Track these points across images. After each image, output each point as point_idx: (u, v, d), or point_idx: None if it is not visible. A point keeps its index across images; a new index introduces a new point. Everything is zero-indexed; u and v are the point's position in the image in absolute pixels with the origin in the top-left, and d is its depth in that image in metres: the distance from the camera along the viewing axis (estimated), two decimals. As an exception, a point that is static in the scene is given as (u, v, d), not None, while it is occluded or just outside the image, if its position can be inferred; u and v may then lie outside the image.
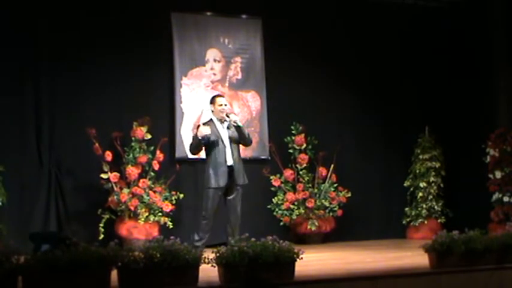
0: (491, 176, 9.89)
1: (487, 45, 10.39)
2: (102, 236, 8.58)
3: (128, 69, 9.38)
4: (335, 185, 10.06)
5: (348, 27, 10.65)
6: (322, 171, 10.05)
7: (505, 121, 10.06)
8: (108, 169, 8.92)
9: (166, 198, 9.11)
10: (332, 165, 10.05)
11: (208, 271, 5.43)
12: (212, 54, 9.97)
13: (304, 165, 10.02)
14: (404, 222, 10.57)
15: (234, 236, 7.03)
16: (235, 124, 7.60)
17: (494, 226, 9.11)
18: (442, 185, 10.52)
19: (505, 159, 9.79)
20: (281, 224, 9.87)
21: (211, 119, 7.74)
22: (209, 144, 7.55)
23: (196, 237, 7.49)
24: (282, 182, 9.97)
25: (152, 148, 9.17)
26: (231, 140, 7.63)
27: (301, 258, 5.57)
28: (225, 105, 7.76)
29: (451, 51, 10.91)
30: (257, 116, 10.08)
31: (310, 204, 9.82)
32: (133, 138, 9.14)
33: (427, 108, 10.85)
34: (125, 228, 8.84)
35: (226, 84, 10.01)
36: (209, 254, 5.39)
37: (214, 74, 9.96)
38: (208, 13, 9.99)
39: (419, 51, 10.90)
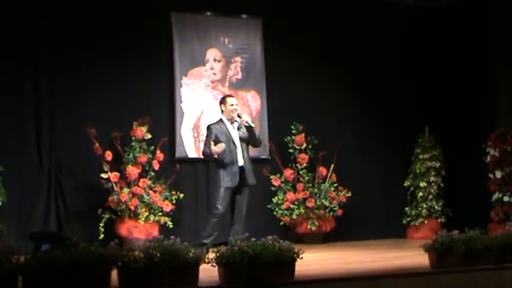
0: (491, 175, 9.89)
1: (487, 45, 10.39)
2: (102, 235, 8.57)
3: (128, 69, 9.37)
4: (335, 185, 10.06)
5: (348, 27, 10.65)
6: (322, 171, 10.05)
7: (505, 121, 10.05)
8: (108, 169, 8.92)
9: (166, 198, 9.11)
10: (332, 165, 10.05)
11: (208, 271, 5.43)
12: (212, 54, 9.97)
13: (304, 165, 10.02)
14: (404, 222, 10.57)
15: (239, 235, 7.08)
16: (247, 124, 7.59)
17: (495, 226, 9.11)
18: (442, 185, 10.52)
19: (505, 159, 9.79)
20: (281, 223, 9.87)
21: (220, 119, 7.73)
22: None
23: (205, 233, 7.42)
24: (282, 182, 9.98)
25: (152, 148, 9.17)
26: (241, 140, 7.63)
27: (301, 258, 5.57)
28: (236, 105, 7.76)
29: (451, 51, 10.91)
30: (257, 115, 10.07)
31: (310, 204, 9.82)
32: (133, 138, 9.14)
33: (427, 108, 10.85)
34: (125, 228, 8.84)
35: (226, 84, 10.01)
36: (209, 254, 5.39)
37: (214, 74, 9.96)
38: (208, 13, 9.99)
39: (419, 51, 10.90)
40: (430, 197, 10.43)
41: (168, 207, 9.05)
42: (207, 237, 7.40)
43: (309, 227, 9.77)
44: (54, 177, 8.97)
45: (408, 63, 10.88)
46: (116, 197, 8.87)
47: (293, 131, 10.09)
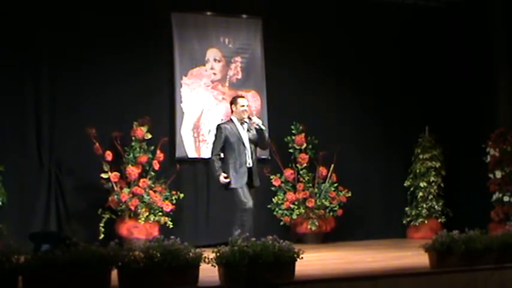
0: (491, 175, 9.90)
1: (487, 45, 10.39)
2: (102, 235, 8.58)
3: (128, 69, 9.37)
4: (335, 185, 10.06)
5: (348, 27, 10.65)
6: (322, 171, 10.05)
7: (505, 121, 10.06)
8: (108, 169, 8.92)
9: (166, 198, 9.11)
10: (332, 165, 10.05)
11: (208, 271, 5.43)
12: (212, 54, 9.97)
13: (305, 164, 10.02)
14: (404, 222, 10.57)
15: (236, 229, 7.13)
16: (257, 127, 7.60)
17: (495, 226, 9.12)
18: (442, 185, 10.52)
19: (505, 159, 9.80)
20: (281, 223, 9.87)
21: (231, 119, 7.73)
22: (230, 145, 7.53)
23: (238, 232, 7.23)
24: (282, 182, 9.98)
25: (152, 148, 9.17)
26: (251, 141, 7.63)
27: (301, 258, 5.57)
28: (247, 106, 7.76)
29: (451, 51, 10.91)
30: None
31: (310, 204, 9.82)
32: (133, 138, 9.14)
33: (427, 108, 10.85)
34: (125, 228, 8.84)
35: (227, 84, 10.01)
36: (209, 254, 5.39)
37: (215, 74, 9.96)
38: (208, 13, 9.99)
39: (419, 51, 10.90)
40: (430, 197, 10.44)
41: (168, 207, 9.05)
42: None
43: (309, 227, 9.77)
44: (54, 177, 8.97)
45: (408, 63, 10.88)
46: (116, 197, 8.87)
47: (293, 131, 10.09)
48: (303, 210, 9.83)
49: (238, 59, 10.11)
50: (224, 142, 7.51)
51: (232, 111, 7.74)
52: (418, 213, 10.45)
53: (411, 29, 10.93)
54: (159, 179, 9.17)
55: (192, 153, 9.67)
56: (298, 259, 5.54)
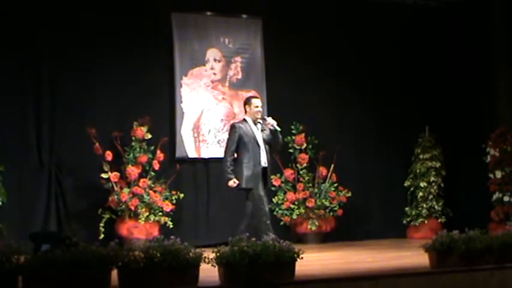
0: (491, 175, 9.90)
1: (487, 45, 10.39)
2: (102, 235, 8.58)
3: (128, 69, 9.38)
4: (335, 185, 10.06)
5: (348, 27, 10.65)
6: (322, 170, 10.06)
7: (505, 121, 10.06)
8: (108, 169, 8.93)
9: (166, 198, 9.12)
10: (332, 165, 10.05)
11: (208, 271, 5.43)
12: (212, 54, 9.97)
13: (305, 164, 10.02)
14: (404, 222, 10.57)
15: (267, 234, 7.13)
16: (272, 128, 7.62)
17: (495, 226, 9.12)
18: (442, 185, 10.52)
19: (506, 159, 9.80)
20: (281, 223, 9.87)
21: (244, 119, 7.74)
22: (244, 144, 7.54)
23: (271, 236, 7.25)
24: (282, 182, 9.98)
25: (152, 148, 9.18)
26: (264, 142, 7.65)
27: (301, 258, 5.57)
28: (261, 107, 7.76)
29: (451, 51, 10.91)
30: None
31: (310, 204, 9.83)
32: (133, 138, 9.15)
33: (427, 108, 10.85)
34: (125, 228, 8.85)
35: (227, 84, 10.01)
36: (209, 254, 5.39)
37: (215, 74, 9.96)
38: (209, 13, 9.99)
39: (419, 51, 10.90)
40: (430, 197, 10.44)
41: (168, 207, 9.05)
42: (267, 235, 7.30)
43: (309, 227, 9.77)
44: (54, 177, 8.97)
45: (408, 63, 10.88)
46: (116, 197, 8.87)
47: (293, 131, 10.09)
48: (303, 210, 9.83)
49: (238, 59, 10.11)
50: (238, 142, 7.53)
51: (245, 112, 7.78)
52: (418, 213, 10.44)
53: (411, 29, 10.93)
54: (159, 179, 9.17)
55: (192, 153, 9.67)
56: (298, 259, 5.53)
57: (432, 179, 10.43)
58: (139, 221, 8.85)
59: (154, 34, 9.59)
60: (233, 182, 7.47)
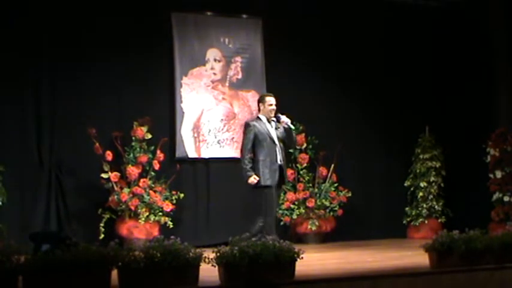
0: (491, 175, 9.90)
1: (488, 45, 10.39)
2: (102, 235, 8.58)
3: (128, 69, 9.37)
4: (335, 185, 10.06)
5: (348, 27, 10.64)
6: (322, 170, 10.06)
7: (505, 121, 10.06)
8: (108, 169, 8.92)
9: (166, 198, 9.11)
10: (332, 165, 10.05)
11: (208, 271, 5.43)
12: (212, 54, 9.97)
13: (305, 164, 10.02)
14: (404, 221, 10.57)
15: (273, 231, 7.14)
16: (286, 126, 7.65)
17: (495, 226, 9.12)
18: (442, 185, 10.52)
19: (506, 159, 9.80)
20: (281, 223, 9.86)
21: (258, 117, 7.75)
22: (259, 142, 7.55)
23: (272, 236, 7.17)
24: (282, 182, 9.97)
25: (152, 148, 9.17)
26: (279, 139, 7.67)
27: (301, 258, 5.57)
28: (275, 105, 7.76)
29: (451, 51, 10.90)
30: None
31: (310, 204, 9.83)
32: (133, 138, 9.14)
33: (427, 108, 10.85)
34: (126, 228, 8.84)
35: (227, 84, 10.01)
36: (209, 254, 5.39)
37: (215, 74, 9.96)
38: (209, 13, 9.99)
39: (420, 51, 10.90)
40: (430, 197, 10.44)
41: (168, 207, 9.05)
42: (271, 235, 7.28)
43: (309, 227, 9.77)
44: (54, 177, 8.97)
45: (408, 63, 10.87)
46: (116, 197, 8.87)
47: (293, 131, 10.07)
48: (303, 210, 9.83)
49: (238, 59, 10.11)
50: (253, 140, 7.53)
51: (259, 110, 7.79)
52: (418, 213, 10.44)
53: (411, 29, 10.92)
54: (159, 179, 9.17)
55: (192, 153, 9.66)
56: (298, 259, 5.54)
57: (432, 179, 10.43)
58: (140, 221, 8.85)
59: (154, 34, 9.59)
60: (253, 179, 7.43)
